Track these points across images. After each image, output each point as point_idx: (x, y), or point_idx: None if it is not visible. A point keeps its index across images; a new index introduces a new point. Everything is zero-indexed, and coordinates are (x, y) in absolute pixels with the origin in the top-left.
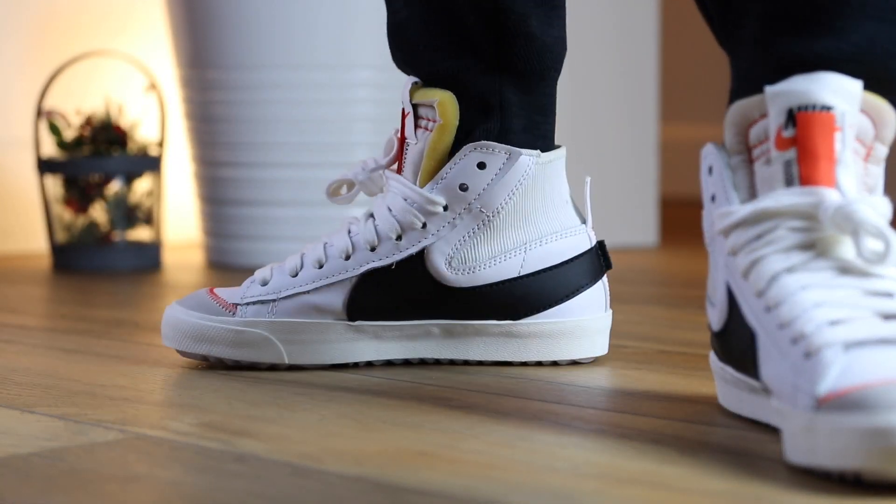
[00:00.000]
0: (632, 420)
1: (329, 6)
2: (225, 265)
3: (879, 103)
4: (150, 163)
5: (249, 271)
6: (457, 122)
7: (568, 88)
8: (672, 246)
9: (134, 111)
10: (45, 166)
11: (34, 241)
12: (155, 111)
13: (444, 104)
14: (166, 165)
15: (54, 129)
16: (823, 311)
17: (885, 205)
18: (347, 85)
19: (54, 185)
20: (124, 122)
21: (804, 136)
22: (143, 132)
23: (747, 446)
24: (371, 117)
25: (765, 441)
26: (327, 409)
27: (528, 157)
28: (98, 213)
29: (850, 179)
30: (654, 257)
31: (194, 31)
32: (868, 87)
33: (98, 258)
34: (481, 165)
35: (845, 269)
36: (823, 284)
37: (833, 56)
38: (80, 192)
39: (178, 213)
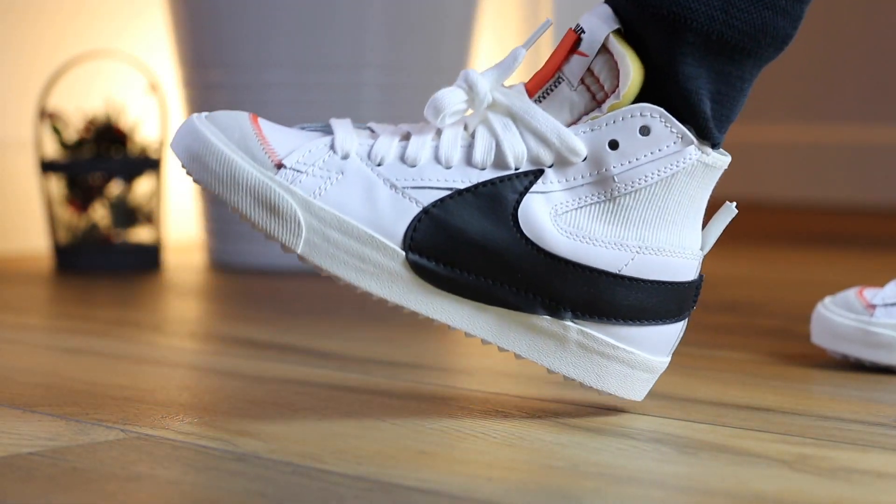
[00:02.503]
0: (632, 420)
1: (332, 6)
2: (226, 265)
3: (625, 51)
4: (151, 164)
5: (250, 272)
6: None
7: None
8: None
9: (135, 112)
10: (46, 167)
11: (35, 242)
12: (156, 112)
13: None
14: (167, 166)
15: (56, 131)
16: None
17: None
18: (351, 85)
19: (56, 185)
20: (125, 122)
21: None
22: (145, 133)
23: (748, 446)
24: (376, 118)
25: (765, 441)
26: (328, 408)
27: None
28: (99, 213)
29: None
30: None
31: (196, 32)
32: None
33: (99, 259)
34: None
35: None
36: None
37: None
38: (81, 193)
39: (178, 214)
